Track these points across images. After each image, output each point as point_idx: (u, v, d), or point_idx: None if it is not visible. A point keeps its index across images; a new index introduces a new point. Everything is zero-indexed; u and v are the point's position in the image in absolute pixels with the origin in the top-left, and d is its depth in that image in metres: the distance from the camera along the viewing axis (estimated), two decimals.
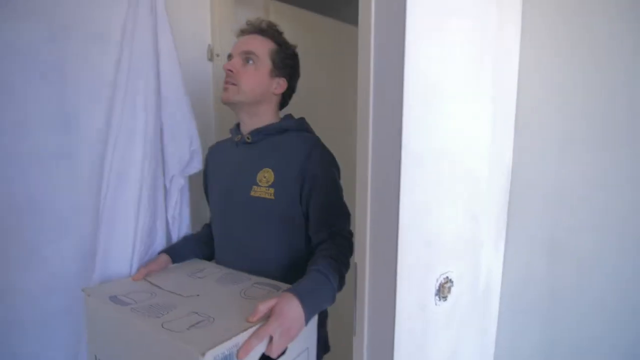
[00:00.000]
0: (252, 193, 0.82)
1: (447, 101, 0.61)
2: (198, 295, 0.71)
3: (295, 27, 1.47)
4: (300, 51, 1.56)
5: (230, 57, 0.88)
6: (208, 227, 1.04)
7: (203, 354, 0.50)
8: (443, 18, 0.58)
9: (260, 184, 0.82)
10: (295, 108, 1.57)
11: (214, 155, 0.99)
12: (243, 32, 0.89)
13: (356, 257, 0.63)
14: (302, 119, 0.94)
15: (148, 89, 0.86)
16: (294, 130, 0.89)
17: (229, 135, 0.98)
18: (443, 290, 0.63)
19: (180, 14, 1.15)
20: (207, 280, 0.79)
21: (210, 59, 1.25)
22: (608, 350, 0.67)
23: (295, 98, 1.55)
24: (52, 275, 0.86)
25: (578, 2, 0.68)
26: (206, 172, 1.01)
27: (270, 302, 0.61)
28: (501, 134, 0.75)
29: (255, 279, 0.80)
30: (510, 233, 0.80)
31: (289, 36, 1.49)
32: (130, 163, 0.83)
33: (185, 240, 0.99)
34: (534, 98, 0.76)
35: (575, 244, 0.70)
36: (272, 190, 0.81)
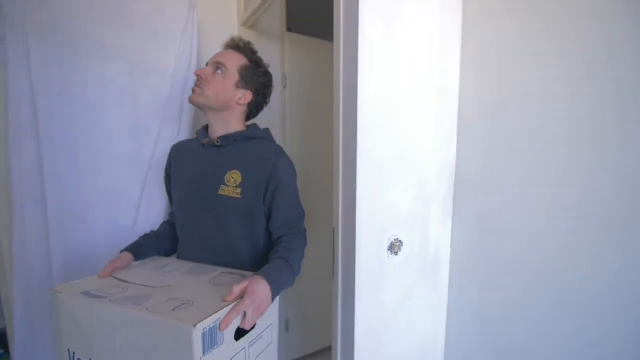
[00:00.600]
0: (220, 192, 0.89)
1: (394, 118, 0.89)
2: (169, 286, 0.73)
3: (307, 53, 1.79)
4: (310, 72, 1.87)
5: (206, 65, 0.96)
6: (167, 224, 1.07)
7: (194, 326, 0.55)
8: (391, 54, 0.86)
9: (228, 183, 0.89)
10: (308, 115, 1.87)
11: (178, 154, 1.02)
12: (224, 47, 0.99)
13: (334, 224, 0.92)
14: (267, 130, 1.02)
15: (175, 105, 1.22)
16: (260, 138, 0.97)
17: (195, 136, 1.04)
18: (394, 247, 0.91)
19: (212, 43, 1.49)
20: (175, 274, 0.81)
21: None
22: (528, 302, 0.92)
23: (308, 108, 1.86)
24: (127, 242, 1.19)
25: (513, 20, 0.94)
26: (169, 170, 1.03)
27: (243, 284, 0.68)
28: (446, 140, 1.02)
29: (221, 269, 0.84)
30: (456, 213, 1.06)
31: (303, 61, 1.82)
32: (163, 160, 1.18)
33: (146, 237, 1.00)
34: (472, 111, 1.02)
35: (500, 221, 0.96)
36: (239, 190, 0.88)
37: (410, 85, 0.92)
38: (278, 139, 1.77)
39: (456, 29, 1.01)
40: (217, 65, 0.92)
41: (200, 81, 0.92)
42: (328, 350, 2.05)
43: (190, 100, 0.93)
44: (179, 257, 0.98)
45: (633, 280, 0.71)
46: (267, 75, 1.00)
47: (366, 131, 0.83)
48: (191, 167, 0.96)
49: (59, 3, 1.09)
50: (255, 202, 0.89)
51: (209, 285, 0.74)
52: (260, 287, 0.70)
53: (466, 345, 1.06)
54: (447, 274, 1.09)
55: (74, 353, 0.67)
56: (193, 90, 0.93)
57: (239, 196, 0.88)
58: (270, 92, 1.03)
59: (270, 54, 1.68)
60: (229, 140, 0.93)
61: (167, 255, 1.02)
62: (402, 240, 0.93)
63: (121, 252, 0.89)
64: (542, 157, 0.87)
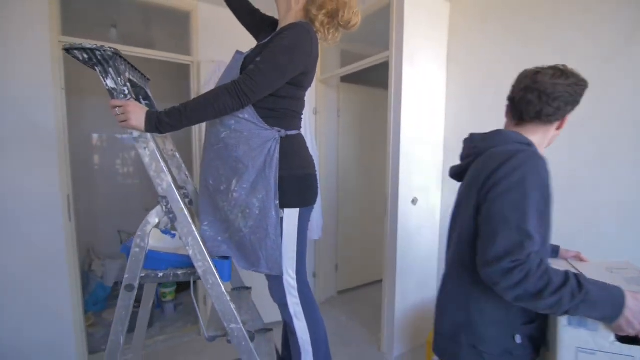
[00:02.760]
0: None
1: (414, 140, 1.97)
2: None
3: (357, 97, 2.87)
4: (361, 110, 2.97)
5: None
6: None
7: None
8: (416, 105, 1.94)
9: None
10: (354, 133, 2.95)
11: None
12: None
13: (386, 191, 1.99)
14: None
15: None
16: None
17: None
18: (414, 201, 1.99)
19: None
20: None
21: (315, 113, 2.65)
22: None
23: (353, 129, 2.94)
24: None
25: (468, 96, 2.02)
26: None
27: None
28: (437, 152, 2.11)
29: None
30: (442, 188, 2.15)
31: (353, 104, 2.91)
32: None
33: None
34: (450, 137, 2.10)
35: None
36: None
37: (421, 121, 2.00)
38: (335, 151, 2.85)
39: (443, 92, 2.10)
40: None
41: None
42: (365, 285, 3.12)
43: None
44: None
45: None
46: None
47: (403, 150, 1.91)
48: None
49: None
50: None
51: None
52: None
53: None
54: (439, 217, 2.17)
55: None
56: None
57: None
58: None
59: (330, 96, 2.76)
60: None
61: None
62: (418, 198, 2.01)
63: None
64: None
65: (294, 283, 1.10)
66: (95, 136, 2.97)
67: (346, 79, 2.82)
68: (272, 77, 0.97)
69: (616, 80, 1.39)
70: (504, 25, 1.79)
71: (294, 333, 1.12)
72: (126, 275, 0.92)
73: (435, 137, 2.10)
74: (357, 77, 2.88)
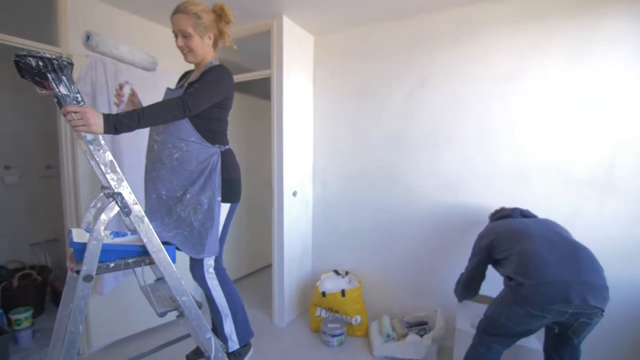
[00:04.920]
0: None
1: (295, 144, 2.45)
2: None
3: (237, 103, 3.10)
4: (247, 118, 3.25)
5: None
6: None
7: None
8: (293, 113, 2.41)
9: None
10: (245, 148, 3.21)
11: None
12: None
13: (273, 185, 2.39)
14: None
15: None
16: None
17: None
18: (295, 194, 2.47)
19: None
20: None
21: None
22: (339, 209, 2.63)
23: (245, 142, 3.23)
24: None
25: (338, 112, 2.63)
26: None
27: None
28: (309, 154, 2.65)
29: None
30: (314, 182, 2.71)
31: (240, 114, 3.16)
32: None
33: None
34: (318, 142, 2.68)
35: (331, 183, 2.65)
36: None
37: (297, 127, 2.49)
38: None
39: (311, 105, 2.65)
40: None
41: None
42: (251, 274, 3.40)
43: None
44: None
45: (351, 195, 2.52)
46: None
47: (285, 151, 2.34)
48: None
49: None
50: None
51: None
52: None
53: (319, 231, 2.73)
54: (312, 206, 2.72)
55: None
56: None
57: None
58: None
59: None
60: None
61: None
62: (297, 191, 2.49)
63: None
64: (342, 161, 2.60)
65: (211, 262, 1.38)
66: None
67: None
68: (207, 98, 1.26)
69: (431, 98, 2.24)
70: (351, 56, 2.48)
71: (213, 301, 1.41)
72: (84, 267, 0.98)
73: (307, 141, 2.64)
74: (239, 87, 3.16)
